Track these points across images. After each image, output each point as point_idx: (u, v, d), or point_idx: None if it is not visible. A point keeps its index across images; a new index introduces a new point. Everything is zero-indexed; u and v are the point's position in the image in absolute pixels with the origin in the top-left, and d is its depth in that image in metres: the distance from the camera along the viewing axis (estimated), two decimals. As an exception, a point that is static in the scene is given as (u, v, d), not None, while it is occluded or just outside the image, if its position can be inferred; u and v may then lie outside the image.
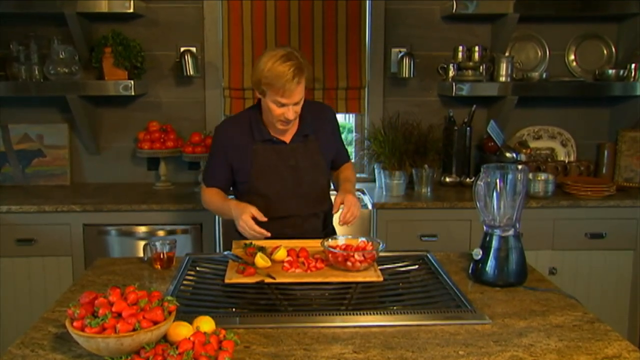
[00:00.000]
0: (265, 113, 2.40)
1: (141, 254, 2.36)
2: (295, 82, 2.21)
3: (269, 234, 2.23)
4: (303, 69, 2.24)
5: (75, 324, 1.50)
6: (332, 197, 2.50)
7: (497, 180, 2.05)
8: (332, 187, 2.67)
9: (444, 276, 2.15)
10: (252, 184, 2.45)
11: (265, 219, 2.26)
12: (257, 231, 2.21)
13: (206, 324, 1.60)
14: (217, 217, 3.33)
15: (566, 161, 3.89)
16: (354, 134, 4.10)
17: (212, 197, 2.49)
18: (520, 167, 2.07)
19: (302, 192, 2.46)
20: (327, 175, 2.58)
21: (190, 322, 1.60)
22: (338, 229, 2.68)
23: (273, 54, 2.24)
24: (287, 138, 2.46)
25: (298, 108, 2.32)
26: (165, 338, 1.56)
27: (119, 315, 1.51)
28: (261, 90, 2.29)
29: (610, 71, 3.69)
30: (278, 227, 2.38)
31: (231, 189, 2.60)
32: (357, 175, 3.19)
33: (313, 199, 2.50)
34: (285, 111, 2.29)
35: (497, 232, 2.08)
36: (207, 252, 3.31)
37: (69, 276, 3.31)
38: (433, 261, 2.31)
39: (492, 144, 3.73)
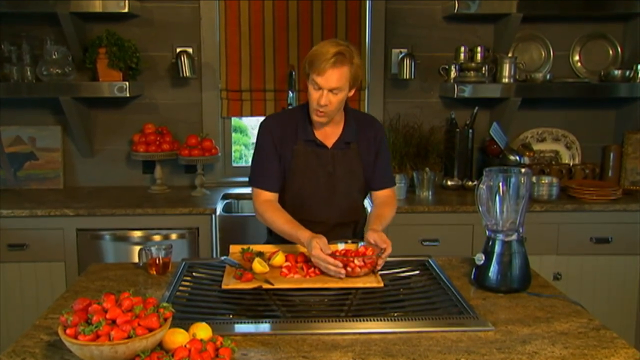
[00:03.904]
0: (309, 106, 2.38)
1: (136, 260, 2.34)
2: (331, 62, 2.18)
3: (343, 273, 2.11)
4: (346, 57, 2.22)
5: (68, 331, 1.48)
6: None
7: (500, 184, 2.04)
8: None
9: (446, 282, 2.14)
10: (287, 182, 2.41)
11: (328, 252, 2.14)
12: (332, 263, 2.09)
13: (203, 331, 1.59)
14: (214, 221, 3.30)
15: (571, 164, 3.88)
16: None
17: (276, 217, 2.33)
18: (523, 170, 2.07)
19: (334, 200, 2.42)
20: (363, 185, 2.50)
21: (187, 329, 1.59)
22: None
23: (327, 40, 2.30)
24: (330, 142, 2.41)
25: (333, 98, 2.25)
26: (160, 345, 1.54)
27: (113, 322, 1.50)
28: (306, 72, 2.29)
29: (616, 72, 3.68)
30: (308, 226, 2.32)
31: None
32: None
33: (344, 208, 2.45)
34: (319, 96, 2.24)
35: (500, 236, 2.06)
36: (203, 257, 3.28)
37: (62, 282, 3.28)
38: (435, 266, 2.30)
39: (495, 146, 3.71)
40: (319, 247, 2.09)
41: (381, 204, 2.48)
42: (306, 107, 2.42)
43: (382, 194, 2.51)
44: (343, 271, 2.08)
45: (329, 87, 2.22)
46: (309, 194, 2.38)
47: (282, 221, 2.31)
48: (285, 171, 2.40)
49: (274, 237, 2.51)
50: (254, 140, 2.50)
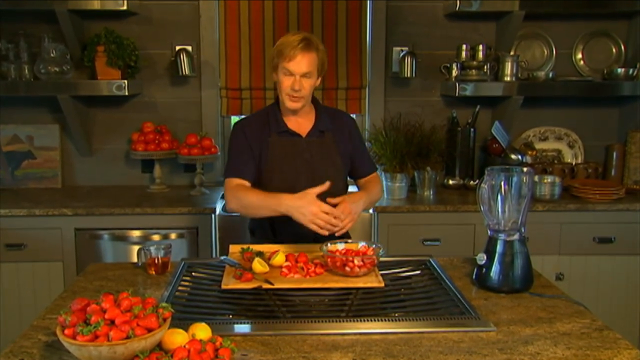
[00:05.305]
0: (280, 99, 2.45)
1: (135, 259, 2.33)
2: (300, 47, 2.30)
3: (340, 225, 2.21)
4: (312, 43, 2.35)
5: (66, 331, 1.48)
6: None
7: (502, 183, 2.03)
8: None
9: (447, 282, 2.13)
10: (266, 175, 2.44)
11: (335, 203, 2.24)
12: (333, 223, 2.17)
13: (202, 331, 1.59)
14: (213, 221, 3.28)
15: (573, 163, 3.86)
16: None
17: (246, 193, 2.36)
18: (525, 169, 2.06)
19: (315, 187, 2.42)
20: (344, 175, 2.57)
21: (186, 330, 1.59)
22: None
23: (288, 33, 2.42)
24: (304, 132, 2.48)
25: (306, 83, 2.35)
26: (159, 346, 1.54)
27: (112, 322, 1.50)
28: (274, 64, 2.39)
29: (619, 70, 3.66)
30: (290, 224, 2.32)
31: None
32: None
33: (327, 195, 2.43)
34: (292, 82, 2.34)
35: (502, 236, 2.05)
36: (203, 257, 3.27)
37: (60, 282, 3.26)
38: (436, 266, 2.29)
39: (497, 145, 3.69)
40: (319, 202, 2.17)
41: (367, 184, 2.58)
42: (275, 105, 2.50)
43: (366, 179, 2.62)
44: (340, 224, 2.19)
45: (301, 71, 2.33)
46: (290, 183, 2.39)
47: (255, 194, 2.33)
48: (263, 165, 2.44)
49: (257, 238, 2.54)
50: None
